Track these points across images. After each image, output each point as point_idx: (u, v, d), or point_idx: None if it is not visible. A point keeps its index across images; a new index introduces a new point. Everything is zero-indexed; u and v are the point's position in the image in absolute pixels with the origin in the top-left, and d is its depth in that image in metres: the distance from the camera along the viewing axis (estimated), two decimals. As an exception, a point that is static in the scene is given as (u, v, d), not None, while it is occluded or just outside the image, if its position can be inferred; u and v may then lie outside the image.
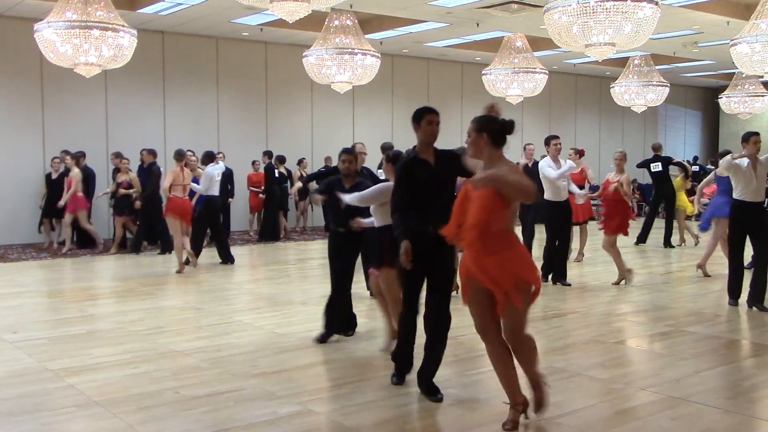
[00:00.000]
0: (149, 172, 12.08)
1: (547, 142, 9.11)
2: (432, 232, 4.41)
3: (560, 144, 9.10)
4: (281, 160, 14.82)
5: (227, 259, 11.16)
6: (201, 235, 11.24)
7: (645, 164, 13.97)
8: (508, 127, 4.14)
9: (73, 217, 12.19)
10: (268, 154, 14.74)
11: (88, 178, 12.58)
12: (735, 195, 7.62)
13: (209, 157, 10.83)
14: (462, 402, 4.68)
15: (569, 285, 9.02)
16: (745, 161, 7.49)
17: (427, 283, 4.82)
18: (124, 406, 4.59)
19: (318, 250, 12.83)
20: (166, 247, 11.96)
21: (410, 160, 4.84)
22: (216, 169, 10.80)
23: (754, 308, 7.49)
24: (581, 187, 10.63)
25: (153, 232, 13.39)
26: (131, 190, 12.16)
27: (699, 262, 9.66)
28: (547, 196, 9.00)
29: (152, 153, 12.20)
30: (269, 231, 14.37)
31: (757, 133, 7.57)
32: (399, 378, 5.00)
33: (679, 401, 4.67)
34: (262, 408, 4.55)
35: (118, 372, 5.37)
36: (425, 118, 4.81)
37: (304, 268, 11.23)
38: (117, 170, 12.57)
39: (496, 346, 4.15)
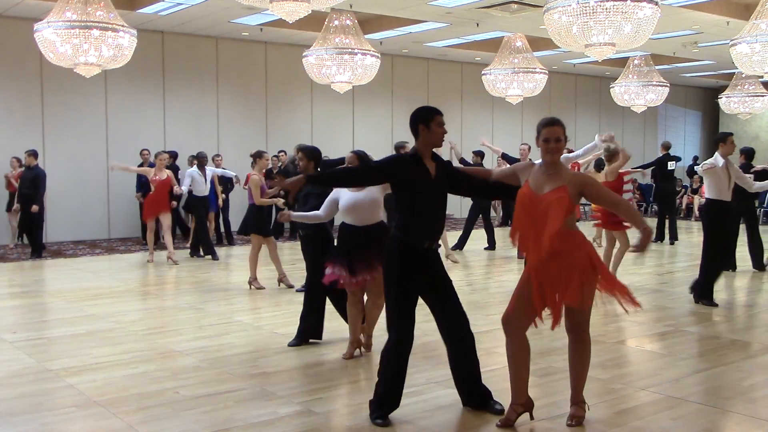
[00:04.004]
0: None
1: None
2: (428, 247, 4.34)
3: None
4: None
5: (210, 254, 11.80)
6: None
7: (663, 163, 13.77)
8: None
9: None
10: (172, 154, 13.23)
11: (37, 179, 11.87)
12: (712, 195, 7.83)
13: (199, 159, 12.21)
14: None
15: None
16: (720, 161, 7.71)
17: (432, 297, 4.40)
18: (124, 406, 4.59)
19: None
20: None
21: (412, 160, 4.29)
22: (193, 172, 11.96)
23: (701, 303, 7.81)
24: None
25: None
26: None
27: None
28: None
29: None
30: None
31: (732, 134, 7.89)
32: (385, 420, 4.25)
33: (679, 401, 4.68)
34: (261, 408, 4.55)
35: (118, 372, 5.37)
36: (435, 120, 4.26)
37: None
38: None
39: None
